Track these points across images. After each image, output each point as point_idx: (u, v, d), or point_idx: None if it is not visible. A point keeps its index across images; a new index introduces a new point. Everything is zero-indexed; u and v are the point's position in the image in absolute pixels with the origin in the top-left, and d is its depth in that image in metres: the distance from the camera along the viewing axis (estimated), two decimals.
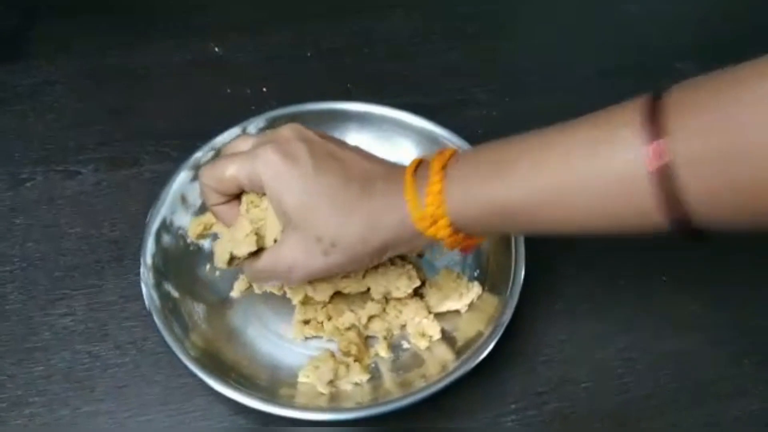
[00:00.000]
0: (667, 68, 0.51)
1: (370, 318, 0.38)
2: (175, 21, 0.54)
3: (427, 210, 0.30)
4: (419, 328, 0.37)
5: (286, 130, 0.32)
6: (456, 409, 0.36)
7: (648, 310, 0.40)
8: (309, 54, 0.52)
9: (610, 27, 0.55)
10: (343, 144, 0.33)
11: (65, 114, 0.48)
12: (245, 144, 0.34)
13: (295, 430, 0.35)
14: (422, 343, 0.37)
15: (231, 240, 0.34)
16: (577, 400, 0.37)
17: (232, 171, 0.32)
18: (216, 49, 0.52)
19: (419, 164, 0.32)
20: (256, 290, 0.39)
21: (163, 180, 0.41)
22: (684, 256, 0.41)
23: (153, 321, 0.36)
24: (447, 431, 0.36)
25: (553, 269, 0.40)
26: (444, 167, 0.30)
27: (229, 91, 0.50)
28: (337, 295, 0.37)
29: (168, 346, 0.35)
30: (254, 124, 0.43)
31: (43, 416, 0.36)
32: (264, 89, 0.50)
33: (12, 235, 0.42)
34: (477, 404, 0.36)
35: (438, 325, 0.37)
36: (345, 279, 0.37)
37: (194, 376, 0.34)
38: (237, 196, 0.34)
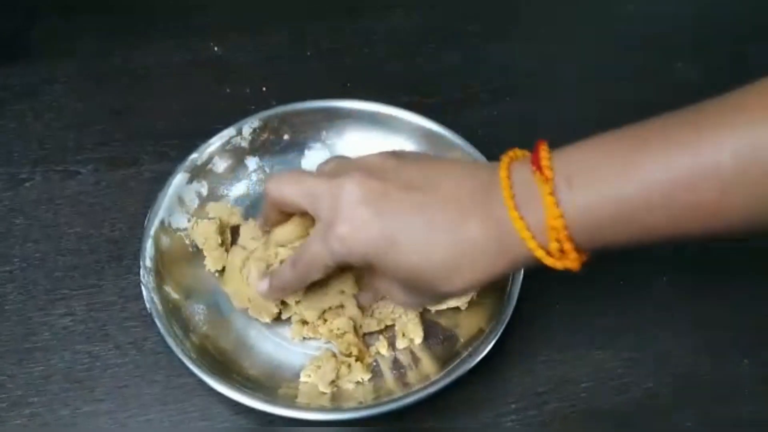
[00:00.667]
0: (667, 68, 0.51)
1: (363, 312, 0.38)
2: (175, 21, 0.54)
3: (551, 246, 0.27)
4: (402, 327, 0.37)
5: (346, 193, 0.29)
6: (456, 409, 0.36)
7: (648, 310, 0.40)
8: (309, 54, 0.52)
9: (610, 27, 0.55)
10: (415, 173, 0.29)
11: (65, 114, 0.48)
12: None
13: (296, 430, 0.35)
14: (401, 344, 0.37)
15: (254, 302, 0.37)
16: (577, 400, 0.37)
17: (318, 257, 0.31)
18: (216, 49, 0.52)
19: (508, 179, 0.27)
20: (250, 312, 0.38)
21: (163, 180, 0.41)
22: (684, 256, 0.41)
23: (153, 322, 0.36)
24: (447, 431, 0.36)
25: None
26: (552, 192, 0.26)
27: (229, 91, 0.50)
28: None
29: (168, 347, 0.35)
30: (248, 124, 0.43)
31: (42, 416, 0.36)
32: (264, 89, 0.50)
33: (11, 236, 0.42)
34: (477, 404, 0.36)
35: (421, 330, 0.37)
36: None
37: (194, 376, 0.34)
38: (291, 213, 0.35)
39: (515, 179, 0.27)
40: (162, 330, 0.35)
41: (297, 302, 0.37)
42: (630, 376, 0.37)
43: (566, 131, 0.28)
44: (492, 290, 0.37)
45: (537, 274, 0.37)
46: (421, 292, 0.31)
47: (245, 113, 0.44)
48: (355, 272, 0.37)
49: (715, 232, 0.25)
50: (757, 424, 0.36)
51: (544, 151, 0.27)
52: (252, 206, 0.42)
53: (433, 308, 0.38)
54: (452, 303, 0.38)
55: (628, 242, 0.27)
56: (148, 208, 0.40)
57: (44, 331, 0.39)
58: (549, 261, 0.27)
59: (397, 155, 0.31)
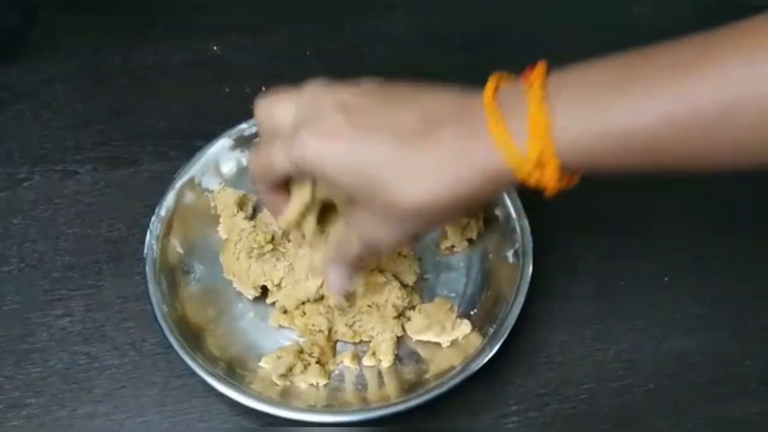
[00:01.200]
0: None
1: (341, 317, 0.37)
2: (175, 21, 0.54)
3: (530, 154, 0.24)
4: (376, 346, 0.37)
5: (319, 100, 0.28)
6: (457, 411, 0.36)
7: (648, 311, 0.39)
8: (309, 54, 0.52)
9: (612, 28, 0.55)
10: (388, 89, 0.28)
11: (64, 114, 0.48)
12: (282, 114, 0.29)
13: (296, 430, 0.35)
14: (368, 362, 0.37)
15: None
16: (577, 401, 0.37)
17: (276, 164, 0.29)
18: (216, 49, 0.52)
19: (494, 93, 0.26)
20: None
21: (162, 180, 0.41)
22: (684, 256, 0.41)
23: (152, 321, 0.36)
24: None
25: (553, 270, 0.40)
26: (541, 97, 0.24)
27: (228, 91, 0.49)
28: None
29: (157, 317, 0.35)
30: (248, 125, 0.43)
31: (40, 417, 0.36)
32: (264, 89, 0.49)
33: (9, 236, 0.42)
34: (478, 405, 0.36)
35: (392, 354, 0.36)
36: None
37: (193, 376, 0.34)
38: (285, 183, 0.33)
39: (502, 91, 0.26)
40: (148, 274, 0.36)
41: (277, 286, 0.37)
42: (631, 378, 0.37)
43: None
44: (480, 332, 0.36)
45: (538, 275, 0.37)
46: (386, 213, 0.27)
47: (245, 113, 0.44)
48: None
49: (708, 162, 0.24)
50: (758, 424, 0.36)
51: (540, 65, 0.25)
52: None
53: (413, 336, 0.37)
54: (432, 338, 0.36)
55: (617, 164, 0.24)
56: (147, 208, 0.40)
57: (42, 332, 0.38)
58: (523, 172, 0.24)
59: (377, 82, 0.29)
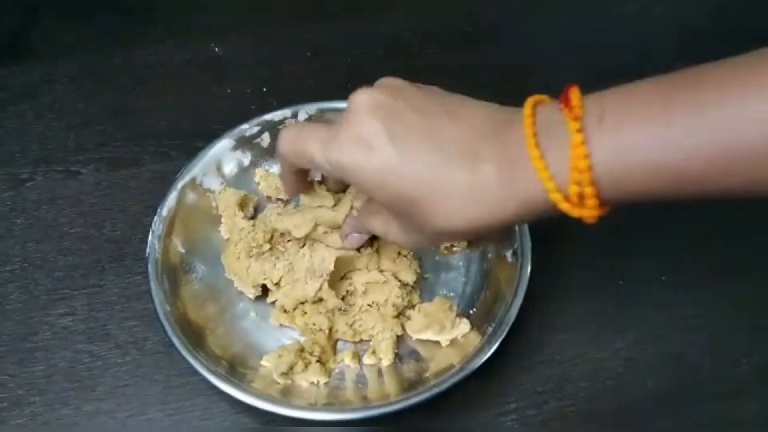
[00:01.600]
0: (668, 68, 0.51)
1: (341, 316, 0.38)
2: (175, 21, 0.54)
3: (570, 190, 0.24)
4: (376, 345, 0.37)
5: (359, 101, 0.27)
6: (456, 409, 0.36)
7: (648, 311, 0.40)
8: (309, 54, 0.52)
9: (610, 27, 0.55)
10: (431, 101, 0.27)
11: (65, 114, 0.48)
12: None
13: (297, 429, 0.35)
14: (369, 360, 0.37)
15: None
16: (576, 400, 0.37)
17: (312, 156, 0.29)
18: (216, 49, 0.52)
19: (532, 122, 0.25)
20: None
21: (164, 180, 0.41)
22: (683, 256, 0.42)
23: (154, 320, 0.36)
24: (448, 431, 0.36)
25: (552, 269, 0.40)
26: (580, 129, 0.23)
27: (229, 91, 0.50)
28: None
29: (161, 319, 0.35)
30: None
31: (43, 416, 0.36)
32: (264, 89, 0.50)
33: (12, 235, 0.42)
34: (477, 404, 0.37)
35: (392, 353, 0.37)
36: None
37: (195, 374, 0.34)
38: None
39: (540, 118, 0.25)
40: (150, 273, 0.36)
41: (276, 285, 0.38)
42: (629, 376, 0.37)
43: None
44: (479, 331, 0.36)
45: (537, 274, 0.38)
46: (418, 227, 0.28)
47: (245, 113, 0.44)
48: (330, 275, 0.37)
49: (756, 189, 0.23)
50: (758, 423, 0.36)
51: (574, 91, 0.25)
52: None
53: (413, 336, 0.37)
54: (432, 337, 0.37)
55: (655, 194, 0.24)
56: (148, 208, 0.40)
57: (45, 331, 0.39)
58: (565, 206, 0.24)
59: (419, 84, 0.29)
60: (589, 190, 0.24)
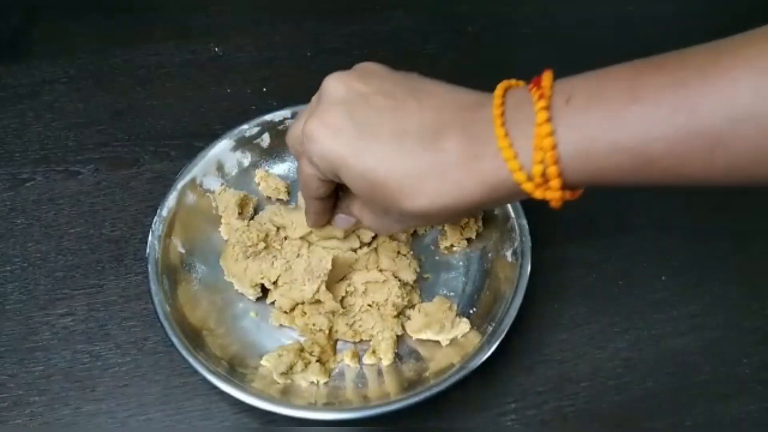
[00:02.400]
0: None
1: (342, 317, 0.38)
2: (175, 21, 0.54)
3: (534, 170, 0.24)
4: (376, 344, 0.37)
5: (329, 88, 0.28)
6: (456, 409, 0.36)
7: (647, 310, 0.40)
8: (309, 54, 0.52)
9: (610, 27, 0.55)
10: (401, 85, 0.28)
11: (65, 114, 0.48)
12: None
13: (297, 429, 0.35)
14: (368, 360, 0.37)
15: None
16: (576, 400, 0.37)
17: (304, 170, 0.30)
18: (216, 49, 0.52)
19: (501, 103, 0.25)
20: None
21: (164, 180, 0.41)
22: (683, 256, 0.42)
23: (154, 320, 0.36)
24: (447, 431, 0.36)
25: (552, 269, 0.40)
26: (547, 107, 0.23)
27: (229, 91, 0.50)
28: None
29: (159, 318, 0.35)
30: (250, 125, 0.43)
31: (43, 416, 0.36)
32: (264, 89, 0.50)
33: (12, 235, 0.42)
34: (477, 403, 0.37)
35: (392, 352, 0.37)
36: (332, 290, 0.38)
37: (195, 374, 0.34)
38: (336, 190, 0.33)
39: (509, 100, 0.25)
40: (150, 273, 0.36)
41: (274, 284, 0.38)
42: (629, 376, 0.37)
43: None
44: (479, 330, 0.36)
45: (537, 274, 0.38)
46: (385, 209, 0.28)
47: (245, 113, 0.44)
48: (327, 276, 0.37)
49: (713, 176, 0.22)
50: (757, 423, 0.36)
51: (547, 74, 0.25)
52: (290, 186, 0.43)
53: (413, 335, 0.37)
54: (432, 336, 0.37)
55: (619, 177, 0.24)
56: (148, 208, 0.40)
57: (45, 331, 0.39)
58: (528, 186, 0.24)
59: (392, 70, 0.29)
60: (552, 170, 0.23)
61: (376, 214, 0.31)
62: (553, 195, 0.24)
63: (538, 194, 0.25)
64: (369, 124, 0.26)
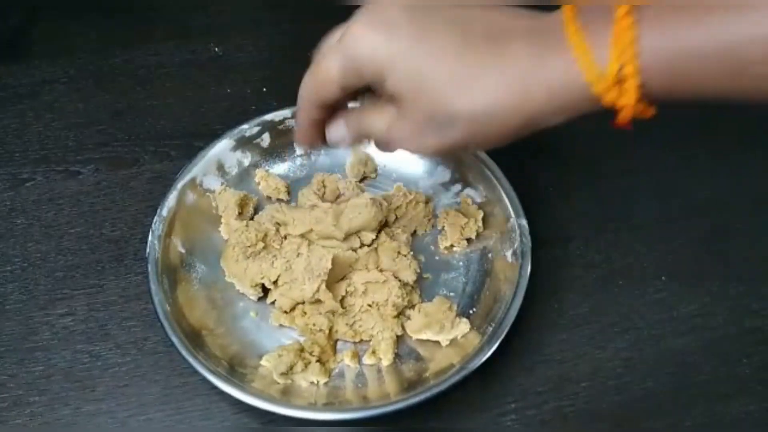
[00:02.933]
0: None
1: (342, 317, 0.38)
2: (175, 21, 0.54)
3: (610, 67, 0.21)
4: (376, 345, 0.37)
5: (377, 5, 0.25)
6: (456, 409, 0.36)
7: (647, 311, 0.40)
8: (309, 54, 0.52)
9: None
10: (463, 4, 0.25)
11: (65, 114, 0.48)
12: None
13: (297, 429, 0.35)
14: (369, 360, 0.37)
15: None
16: (576, 400, 0.37)
17: (326, 68, 0.27)
18: (216, 49, 0.52)
19: (578, 12, 0.23)
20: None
21: (164, 180, 0.41)
22: (682, 256, 0.42)
23: (154, 320, 0.36)
24: (447, 431, 0.36)
25: (552, 269, 0.40)
26: (628, 11, 0.21)
27: (229, 91, 0.50)
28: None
29: (159, 318, 0.35)
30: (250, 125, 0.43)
31: (43, 416, 0.36)
32: (264, 89, 0.50)
33: (12, 235, 0.42)
34: (477, 404, 0.37)
35: (392, 353, 0.37)
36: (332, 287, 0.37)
37: (195, 374, 0.34)
38: (331, 113, 0.30)
39: (583, 7, 0.23)
40: (150, 273, 0.36)
41: (274, 284, 0.38)
42: (629, 376, 0.37)
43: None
44: (479, 331, 0.36)
45: (537, 274, 0.38)
46: (431, 113, 0.25)
47: (245, 113, 0.44)
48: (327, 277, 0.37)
49: None
50: (757, 423, 0.36)
51: None
52: (290, 186, 0.43)
53: (413, 335, 0.37)
54: (432, 336, 0.36)
55: (706, 85, 0.21)
56: (149, 208, 0.40)
57: (45, 331, 0.39)
58: (599, 87, 0.22)
59: None
60: (630, 69, 0.21)
61: (414, 125, 0.26)
62: (628, 100, 0.22)
63: (610, 97, 0.22)
64: (431, 23, 0.24)
